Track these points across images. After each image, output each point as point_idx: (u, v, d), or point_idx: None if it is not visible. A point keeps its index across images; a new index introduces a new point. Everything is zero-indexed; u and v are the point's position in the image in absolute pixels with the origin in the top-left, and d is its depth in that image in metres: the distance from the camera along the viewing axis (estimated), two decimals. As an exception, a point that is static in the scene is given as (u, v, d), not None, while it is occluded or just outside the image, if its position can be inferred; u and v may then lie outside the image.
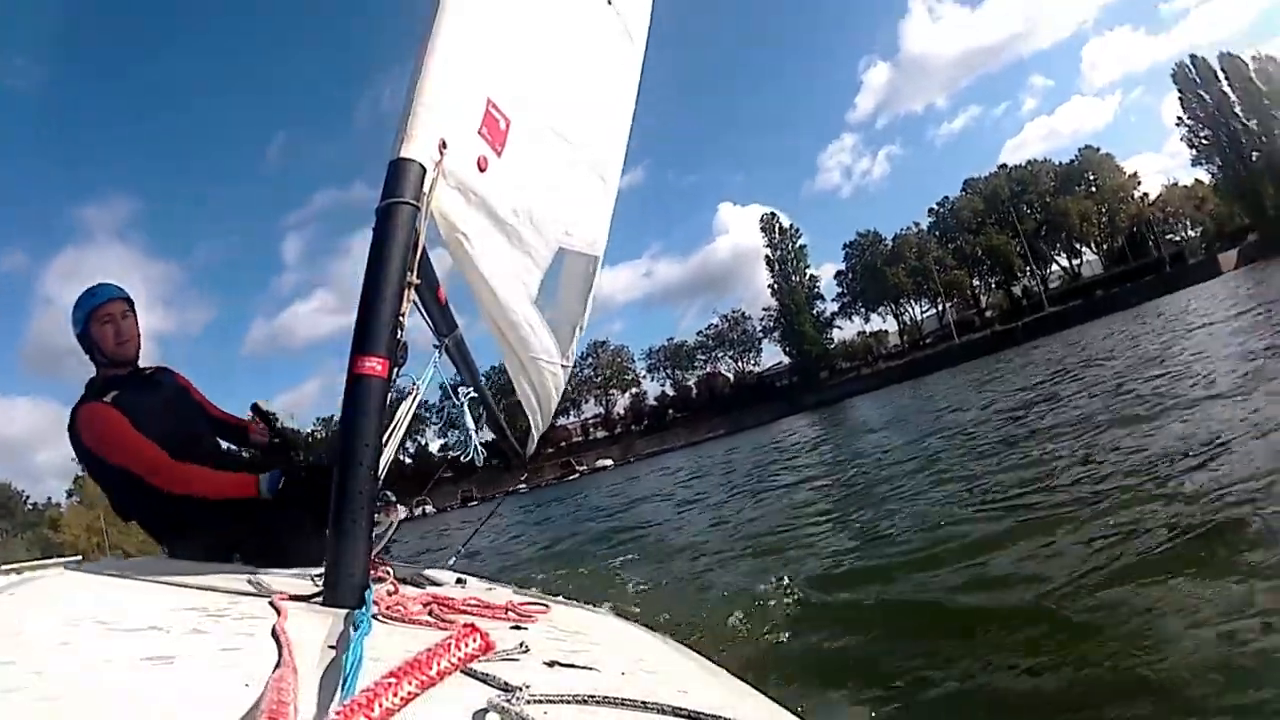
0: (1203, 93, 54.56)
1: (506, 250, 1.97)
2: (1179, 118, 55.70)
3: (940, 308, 60.79)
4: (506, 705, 0.77)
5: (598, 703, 0.88)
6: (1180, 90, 55.01)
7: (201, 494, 2.29)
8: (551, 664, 1.09)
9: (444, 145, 1.68)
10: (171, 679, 0.81)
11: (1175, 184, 60.01)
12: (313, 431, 61.85)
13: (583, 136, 2.46)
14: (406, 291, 1.59)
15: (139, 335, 2.57)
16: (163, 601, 1.34)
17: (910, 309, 62.54)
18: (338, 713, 0.55)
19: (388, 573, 1.67)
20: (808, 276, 61.25)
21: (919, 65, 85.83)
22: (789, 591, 4.48)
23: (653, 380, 65.98)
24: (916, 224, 63.12)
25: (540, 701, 0.83)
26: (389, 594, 1.50)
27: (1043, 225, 59.18)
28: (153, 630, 1.04)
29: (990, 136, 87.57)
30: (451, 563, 2.93)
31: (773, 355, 64.48)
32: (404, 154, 1.63)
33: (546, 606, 1.75)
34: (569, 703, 0.86)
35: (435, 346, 2.11)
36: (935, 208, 63.41)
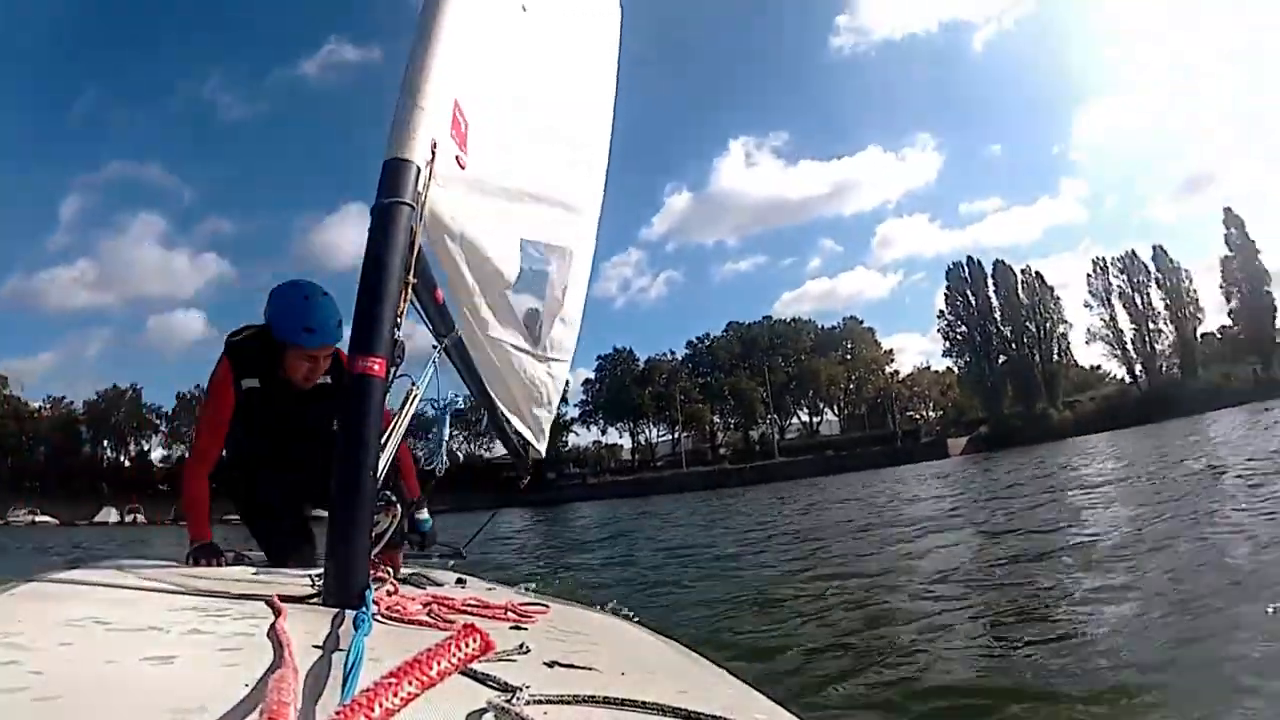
0: (970, 293, 58.69)
1: (477, 244, 1.99)
2: (941, 310, 60.46)
3: (676, 435, 62.00)
4: (506, 706, 0.77)
5: (598, 703, 0.88)
6: (949, 286, 59.92)
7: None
8: (551, 664, 1.09)
9: (435, 146, 1.68)
10: (171, 679, 0.81)
11: (927, 368, 65.21)
12: (39, 408, 58.92)
13: (558, 134, 2.50)
14: (405, 291, 1.60)
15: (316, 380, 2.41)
16: (163, 601, 1.34)
17: (648, 430, 63.45)
18: (338, 713, 0.55)
19: (387, 573, 1.67)
20: None
21: (721, 202, 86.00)
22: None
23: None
24: (673, 352, 64.78)
25: (540, 702, 0.83)
26: (389, 594, 1.50)
27: (792, 380, 61.69)
28: (153, 630, 1.04)
29: (769, 284, 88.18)
30: (451, 564, 2.93)
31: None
32: (401, 154, 1.63)
33: (546, 607, 1.75)
34: (569, 703, 0.86)
35: (434, 347, 2.11)
36: (695, 341, 65.18)
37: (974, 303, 58.65)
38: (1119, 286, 56.78)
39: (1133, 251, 57.09)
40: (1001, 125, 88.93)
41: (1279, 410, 26.49)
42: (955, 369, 60.78)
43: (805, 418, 64.76)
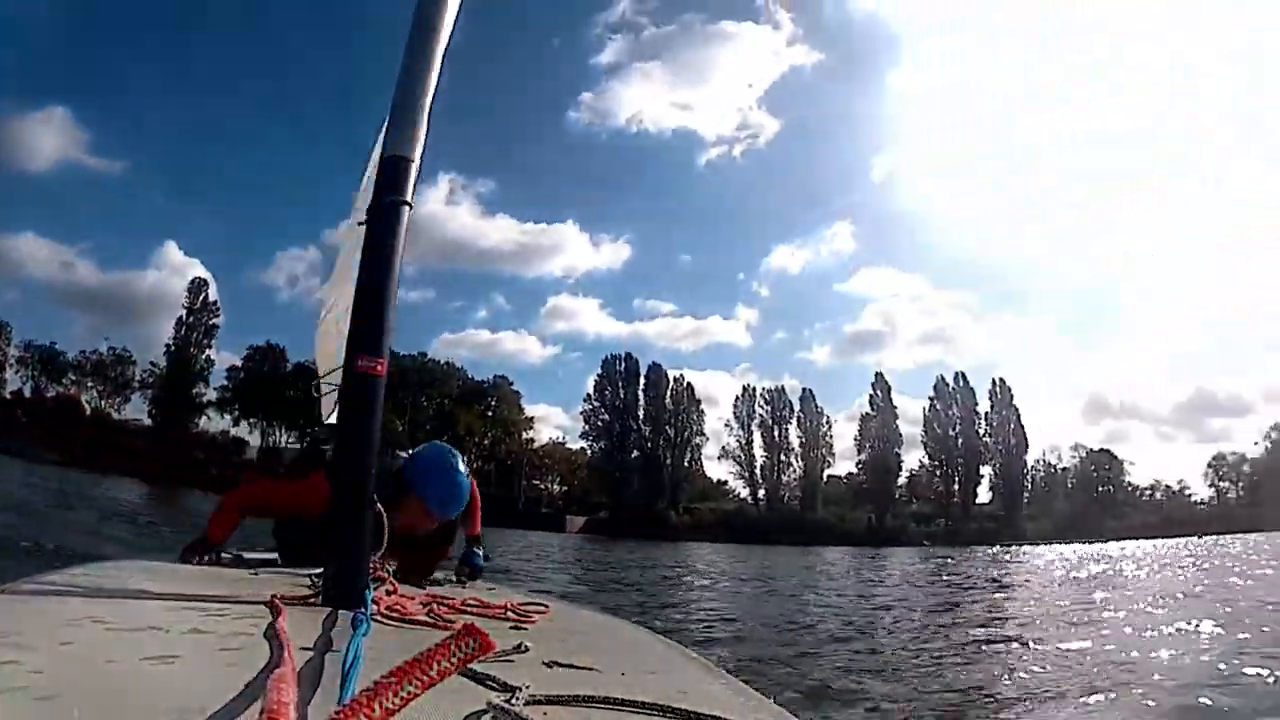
0: (620, 385, 61.10)
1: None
2: (589, 394, 62.21)
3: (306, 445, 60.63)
4: (506, 706, 0.77)
5: (597, 703, 0.88)
6: (602, 373, 62.16)
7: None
8: (551, 664, 1.09)
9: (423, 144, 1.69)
10: (171, 679, 0.81)
11: (562, 443, 65.18)
12: None
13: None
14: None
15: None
16: (163, 601, 1.34)
17: (279, 433, 59.86)
18: (337, 713, 0.55)
19: (387, 572, 1.67)
20: (205, 356, 58.02)
21: (413, 229, 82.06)
22: None
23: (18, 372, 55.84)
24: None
25: (539, 702, 0.83)
26: (388, 594, 1.50)
27: (431, 421, 60.58)
28: (153, 630, 1.04)
29: (433, 322, 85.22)
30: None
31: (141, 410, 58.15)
32: (401, 152, 1.62)
33: (546, 607, 1.74)
34: (568, 703, 0.86)
35: None
36: None
37: (622, 395, 61.06)
38: (761, 415, 60.84)
39: (782, 388, 62.24)
40: (699, 240, 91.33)
41: (888, 555, 31.87)
42: (589, 451, 62.45)
43: None
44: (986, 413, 61.36)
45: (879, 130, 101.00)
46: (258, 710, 0.62)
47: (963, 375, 62.66)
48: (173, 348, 57.13)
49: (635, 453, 59.72)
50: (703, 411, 61.50)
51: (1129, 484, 65.01)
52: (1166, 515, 59.64)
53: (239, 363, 60.34)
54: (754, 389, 61.93)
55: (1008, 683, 5.37)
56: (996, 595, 13.43)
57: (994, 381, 62.41)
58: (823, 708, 3.94)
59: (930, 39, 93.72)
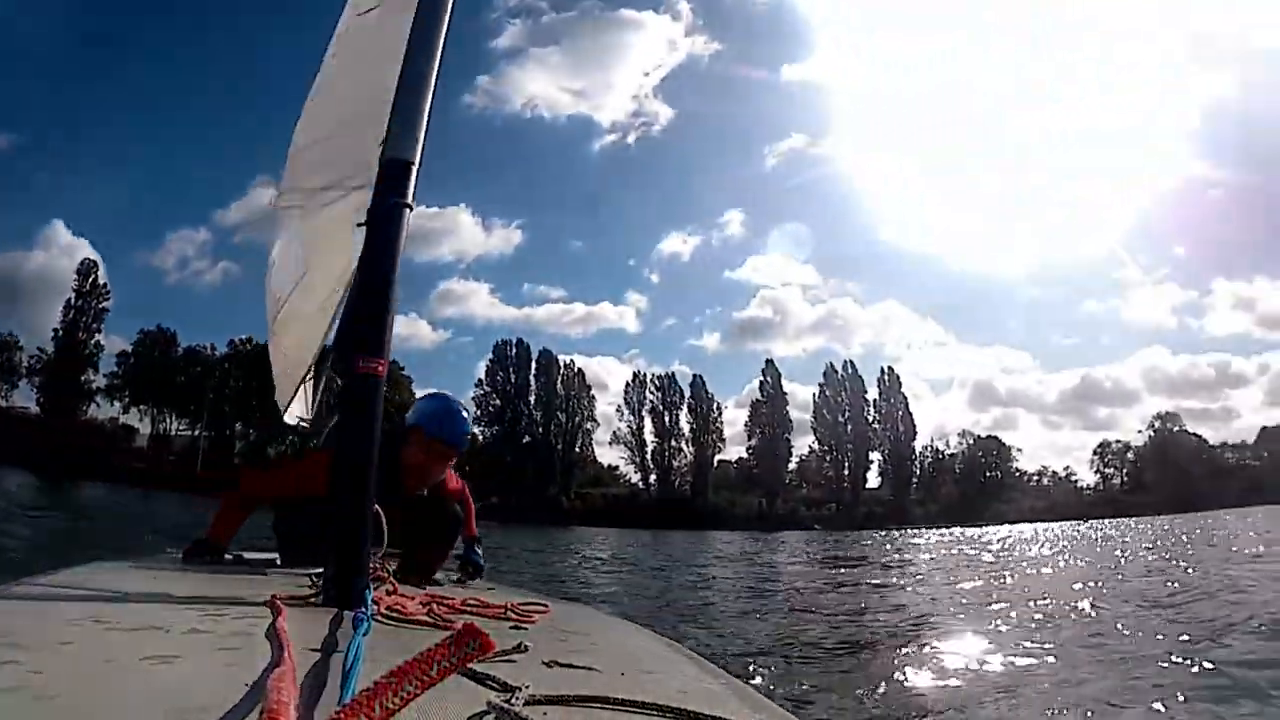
0: (511, 370, 60.91)
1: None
2: (480, 379, 61.29)
3: (197, 432, 56.27)
4: (505, 706, 0.77)
5: (597, 703, 0.88)
6: (493, 359, 61.48)
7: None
8: (551, 664, 1.09)
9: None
10: (171, 679, 0.81)
11: None
12: None
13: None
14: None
15: (432, 478, 2.49)
16: (163, 602, 1.34)
17: (169, 421, 57.63)
18: (337, 713, 0.55)
19: (387, 572, 1.67)
20: (95, 341, 54.37)
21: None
22: None
23: None
24: (214, 346, 58.52)
25: (539, 702, 0.83)
26: (388, 594, 1.51)
27: (326, 406, 59.21)
28: (153, 630, 1.04)
29: None
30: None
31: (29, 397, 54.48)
32: (402, 155, 1.62)
33: (546, 607, 1.74)
34: (568, 703, 0.86)
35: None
36: (237, 341, 58.58)
37: (513, 380, 60.67)
38: (652, 401, 60.61)
39: (672, 374, 62.21)
40: (591, 226, 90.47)
41: (779, 539, 32.48)
42: (481, 437, 60.79)
43: None
44: (875, 400, 62.68)
45: (772, 121, 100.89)
46: (258, 710, 0.62)
47: (851, 363, 63.97)
48: (61, 333, 53.50)
49: (527, 438, 59.39)
50: (594, 397, 61.38)
51: (1016, 470, 67.10)
52: (1053, 500, 62.05)
53: (128, 348, 56.96)
54: (645, 375, 62.14)
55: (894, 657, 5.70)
56: (879, 574, 14.38)
57: (882, 370, 63.96)
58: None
59: (825, 32, 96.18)
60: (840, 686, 4.59)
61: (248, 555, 2.38)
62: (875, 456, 62.31)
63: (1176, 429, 67.10)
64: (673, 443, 60.10)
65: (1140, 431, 68.75)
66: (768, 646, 6.12)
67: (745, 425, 61.17)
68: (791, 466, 61.85)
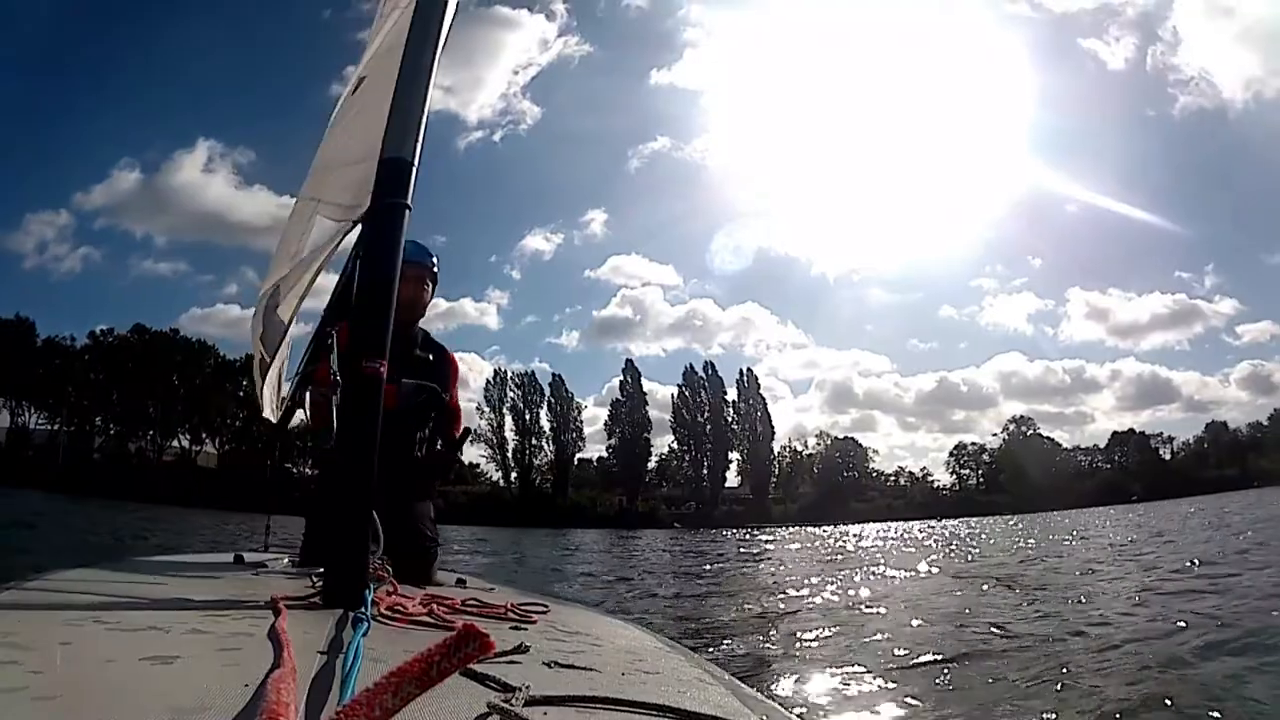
0: None
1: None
2: None
3: (57, 426, 55.01)
4: (506, 706, 0.77)
5: (597, 703, 0.88)
6: None
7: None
8: (551, 664, 1.09)
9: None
10: (171, 679, 0.81)
11: None
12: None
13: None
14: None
15: (423, 306, 2.73)
16: (163, 601, 1.34)
17: (28, 414, 55.01)
18: (337, 713, 0.54)
19: (387, 572, 1.67)
20: None
21: (167, 196, 73.60)
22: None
23: None
24: (74, 337, 56.08)
25: (539, 702, 0.83)
26: (388, 594, 1.50)
27: (185, 401, 57.00)
28: (153, 630, 1.04)
29: (182, 296, 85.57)
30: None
31: None
32: (401, 154, 1.62)
33: (546, 607, 1.75)
34: (569, 703, 0.86)
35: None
36: (98, 333, 57.29)
37: None
38: (513, 399, 61.35)
39: (533, 372, 63.31)
40: (454, 222, 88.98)
41: (640, 536, 33.88)
42: None
43: (186, 443, 58.79)
44: (734, 401, 63.73)
45: (639, 123, 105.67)
46: (258, 710, 0.62)
47: (711, 364, 65.25)
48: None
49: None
50: (455, 394, 63.27)
51: (873, 470, 69.37)
52: (909, 499, 64.32)
53: (-24, 336, 53.93)
54: (505, 372, 61.94)
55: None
56: (730, 567, 15.63)
57: (741, 371, 65.49)
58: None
59: (696, 38, 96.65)
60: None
61: (248, 556, 2.38)
62: (734, 456, 63.91)
63: (1030, 432, 70.81)
64: (533, 441, 61.08)
65: (995, 434, 71.90)
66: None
67: (605, 424, 62.38)
68: (651, 465, 63.10)
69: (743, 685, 1.30)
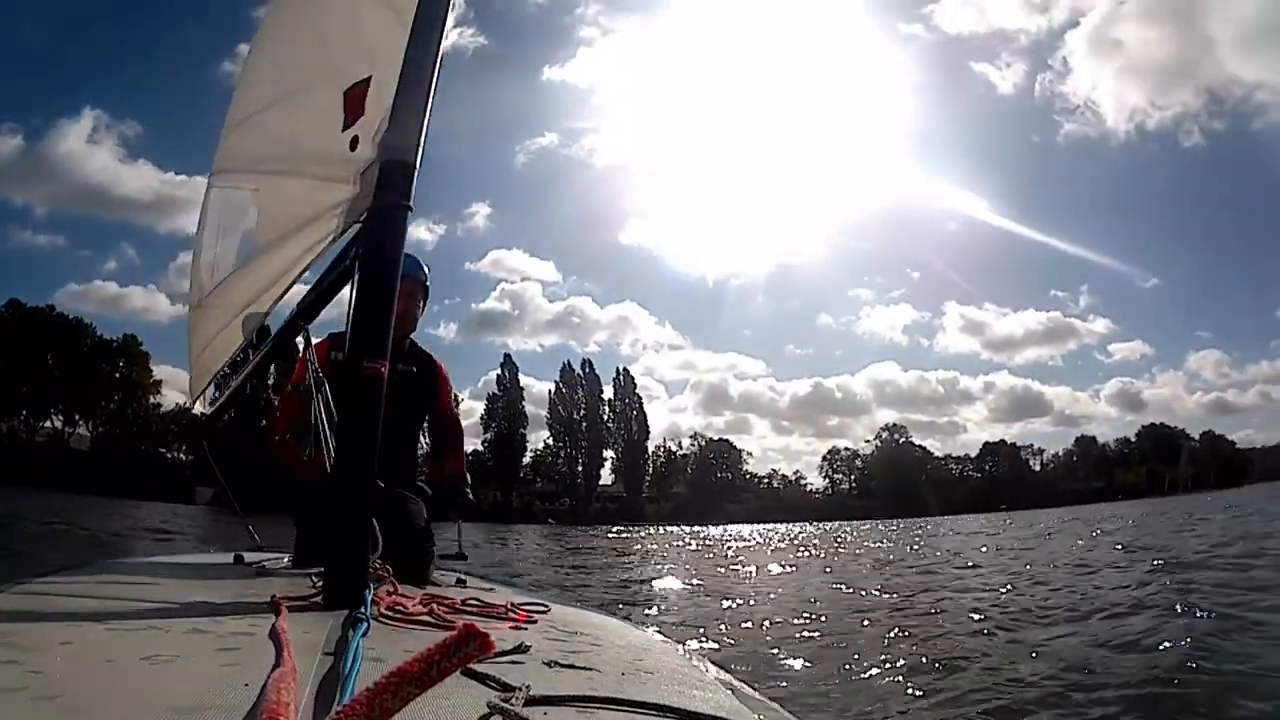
0: (250, 353, 62.98)
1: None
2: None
3: None
4: (506, 706, 0.77)
5: (597, 703, 0.88)
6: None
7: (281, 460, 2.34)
8: (551, 664, 1.09)
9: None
10: (171, 679, 0.81)
11: (189, 408, 62.40)
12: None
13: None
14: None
15: (415, 320, 2.69)
16: (163, 601, 1.34)
17: None
18: (337, 713, 0.55)
19: (387, 572, 1.67)
20: None
21: (49, 165, 69.97)
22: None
23: None
24: None
25: (539, 702, 0.83)
26: (388, 594, 1.50)
27: (61, 382, 53.93)
28: (153, 630, 1.04)
29: (60, 270, 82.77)
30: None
31: None
32: (400, 156, 1.61)
33: (546, 607, 1.75)
34: (568, 703, 0.86)
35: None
36: None
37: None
38: None
39: None
40: None
41: (520, 532, 33.81)
42: (224, 419, 59.98)
43: (59, 424, 56.08)
44: (610, 399, 64.12)
45: (528, 118, 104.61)
46: (258, 710, 0.62)
47: (589, 362, 65.91)
48: None
49: (264, 422, 58.13)
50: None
51: (747, 472, 70.92)
52: (782, 502, 65.91)
53: None
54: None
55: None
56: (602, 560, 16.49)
57: (618, 370, 66.14)
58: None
59: (589, 37, 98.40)
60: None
61: (248, 556, 2.38)
62: (609, 454, 64.30)
63: (903, 440, 72.90)
64: (407, 432, 61.21)
65: (868, 441, 74.07)
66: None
67: (481, 418, 61.96)
68: (526, 461, 63.16)
69: (743, 685, 1.30)
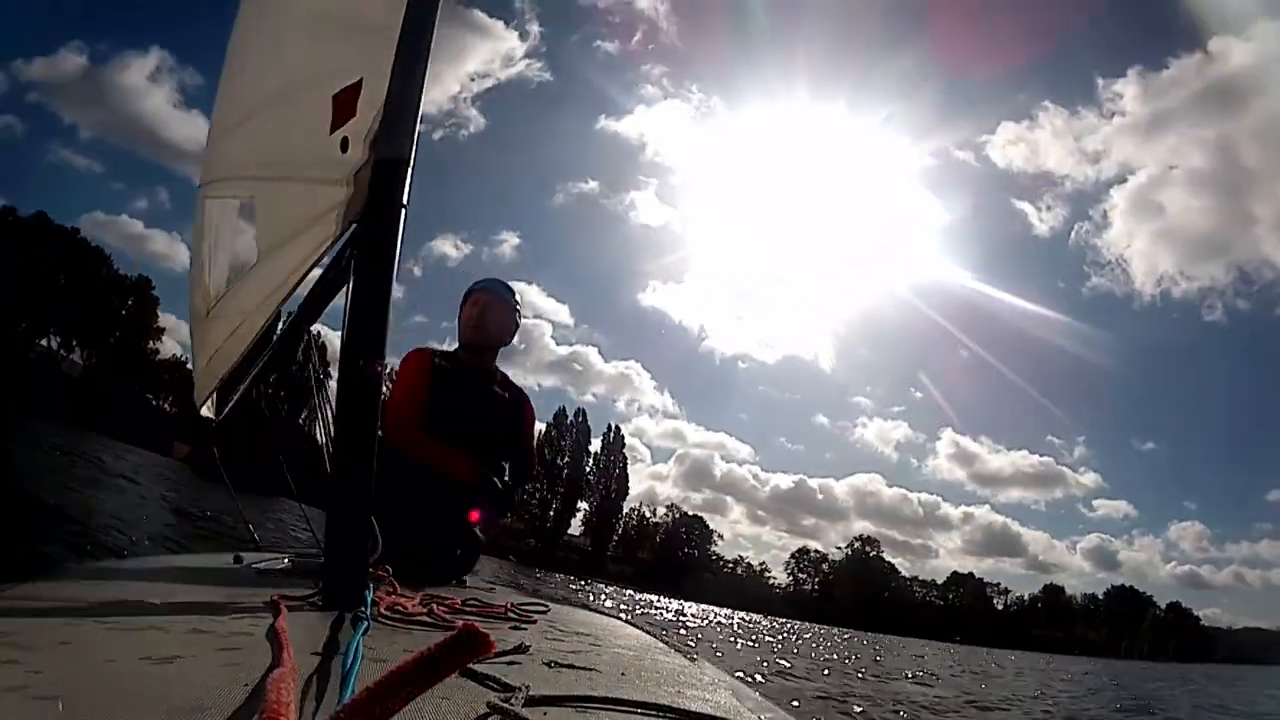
0: None
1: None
2: None
3: None
4: (506, 706, 0.77)
5: (597, 703, 0.88)
6: None
7: (426, 459, 2.43)
8: (551, 664, 1.09)
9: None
10: (171, 679, 0.81)
11: (184, 361, 59.57)
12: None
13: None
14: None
15: (509, 331, 2.75)
16: (163, 601, 1.34)
17: None
18: (337, 713, 0.55)
19: (387, 572, 1.67)
20: None
21: (106, 92, 76.62)
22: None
23: None
24: None
25: (539, 702, 0.83)
26: (388, 594, 1.51)
27: (65, 303, 52.91)
28: (153, 630, 1.04)
29: (86, 197, 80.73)
30: None
31: None
32: (396, 155, 1.61)
33: (546, 607, 1.75)
34: (568, 703, 0.86)
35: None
36: None
37: None
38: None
39: None
40: None
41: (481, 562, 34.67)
42: None
43: (55, 346, 55.79)
44: (596, 453, 65.31)
45: (573, 161, 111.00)
46: (258, 710, 0.62)
47: (583, 411, 66.96)
48: None
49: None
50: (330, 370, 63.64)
51: (714, 553, 72.25)
52: (741, 590, 66.80)
53: None
54: (391, 369, 62.46)
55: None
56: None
57: (609, 426, 67.92)
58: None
59: (656, 104, 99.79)
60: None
61: (247, 556, 2.38)
62: (584, 505, 65.25)
63: (874, 553, 74.53)
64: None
65: (840, 547, 75.76)
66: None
67: None
68: None
69: (743, 685, 1.30)
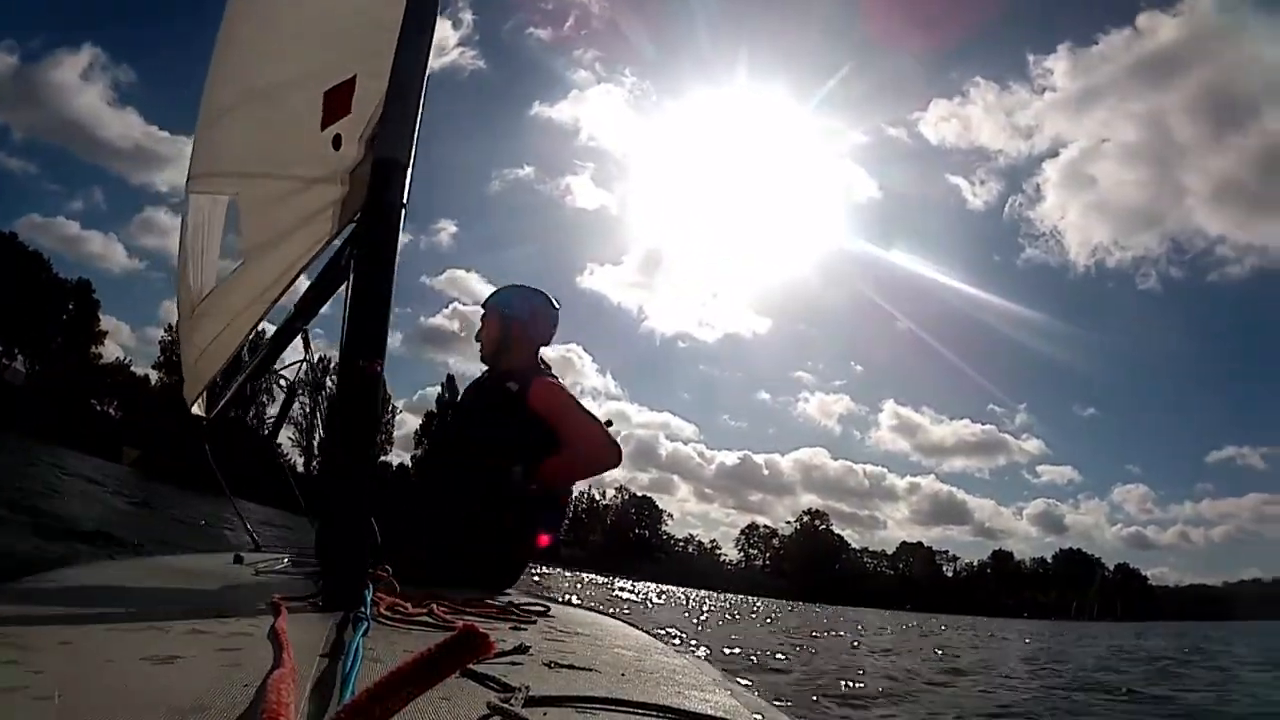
0: None
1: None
2: (170, 325, 58.88)
3: None
4: (506, 706, 0.77)
5: (597, 703, 0.88)
6: None
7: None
8: (551, 664, 1.09)
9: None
10: (171, 679, 0.81)
11: (128, 364, 59.72)
12: None
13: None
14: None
15: (492, 339, 2.67)
16: (163, 601, 1.34)
17: None
18: (337, 713, 0.55)
19: (386, 571, 1.67)
20: None
21: (38, 91, 71.97)
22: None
23: None
24: None
25: (539, 703, 0.84)
26: (388, 594, 1.51)
27: (6, 316, 49.37)
28: (153, 630, 1.04)
29: (20, 199, 79.57)
30: None
31: None
32: (394, 155, 1.61)
33: (546, 607, 1.75)
34: (568, 704, 0.86)
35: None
36: None
37: None
38: (330, 390, 63.83)
39: None
40: None
41: None
42: (160, 381, 55.91)
43: None
44: None
45: (508, 148, 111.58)
46: (258, 711, 0.62)
47: None
48: None
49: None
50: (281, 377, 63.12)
51: (665, 533, 73.00)
52: (694, 568, 67.65)
53: None
54: (328, 359, 61.77)
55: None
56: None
57: None
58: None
59: (588, 89, 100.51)
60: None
61: (248, 556, 2.38)
62: None
63: (823, 526, 75.14)
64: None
65: (789, 522, 76.22)
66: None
67: (415, 434, 61.74)
68: None
69: (741, 686, 1.30)
